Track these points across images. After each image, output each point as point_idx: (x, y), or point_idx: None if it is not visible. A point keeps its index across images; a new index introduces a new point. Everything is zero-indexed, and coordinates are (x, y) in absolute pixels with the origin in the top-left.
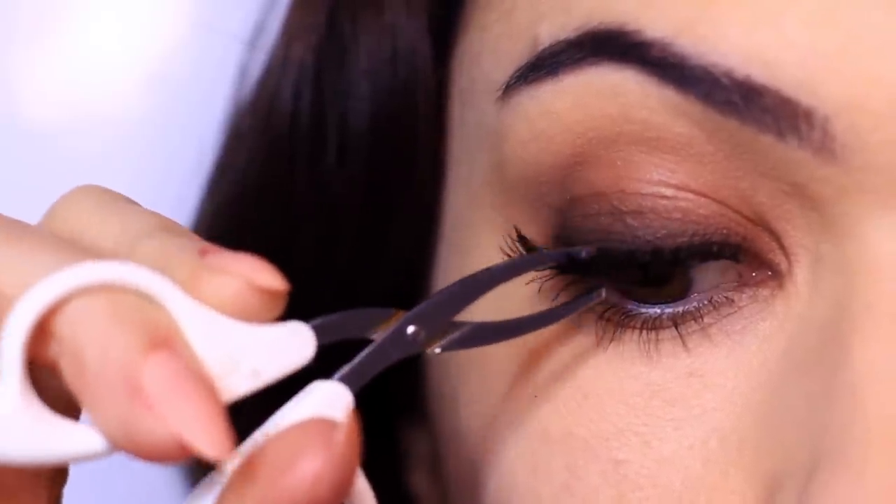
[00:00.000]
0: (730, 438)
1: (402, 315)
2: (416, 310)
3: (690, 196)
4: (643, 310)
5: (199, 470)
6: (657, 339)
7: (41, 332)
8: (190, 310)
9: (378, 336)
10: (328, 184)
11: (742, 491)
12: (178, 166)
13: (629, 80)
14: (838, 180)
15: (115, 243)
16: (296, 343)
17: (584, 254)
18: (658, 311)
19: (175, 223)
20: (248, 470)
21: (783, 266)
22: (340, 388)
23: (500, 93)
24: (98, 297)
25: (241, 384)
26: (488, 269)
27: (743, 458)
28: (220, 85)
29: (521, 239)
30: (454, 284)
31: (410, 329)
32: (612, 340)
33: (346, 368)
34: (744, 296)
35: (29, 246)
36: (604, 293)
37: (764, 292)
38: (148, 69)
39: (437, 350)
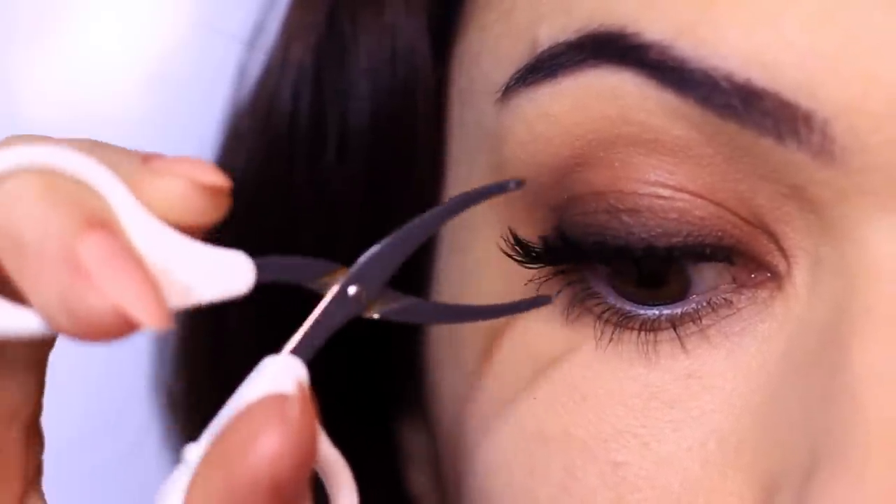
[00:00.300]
0: (728, 440)
1: (345, 271)
2: (357, 266)
3: (687, 197)
4: (641, 311)
5: None
6: (655, 341)
7: None
8: (129, 207)
9: (319, 288)
10: (328, 183)
11: (740, 492)
12: None
13: (628, 82)
14: (838, 183)
15: None
16: (234, 271)
17: (511, 185)
18: (656, 312)
19: (111, 143)
20: (210, 458)
21: (782, 268)
22: (291, 360)
23: (499, 94)
24: (32, 177)
25: (170, 296)
26: (420, 218)
27: (741, 459)
28: (219, 85)
29: (518, 241)
30: (389, 238)
31: (352, 290)
32: (610, 341)
33: (294, 340)
34: (742, 297)
35: None
36: (554, 299)
37: (763, 294)
38: (148, 69)
39: (375, 316)
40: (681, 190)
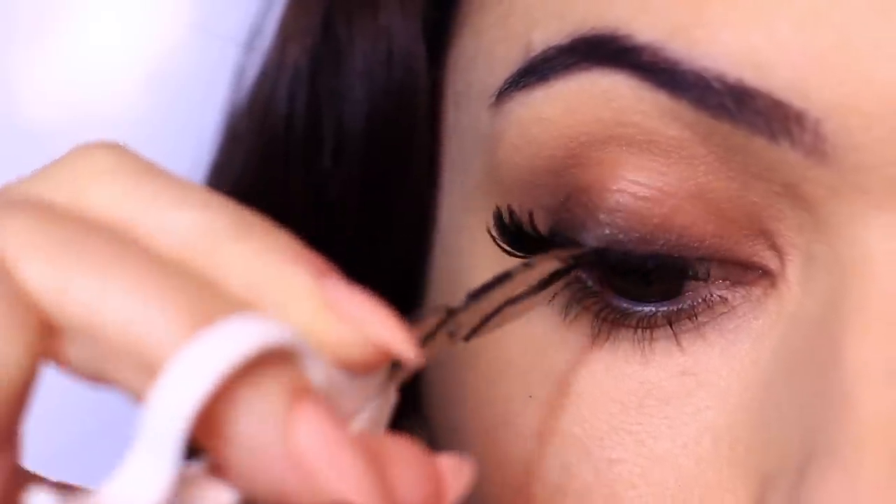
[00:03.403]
0: (723, 437)
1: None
2: (458, 309)
3: (678, 200)
4: (638, 308)
5: None
6: (651, 338)
7: (204, 417)
8: (317, 366)
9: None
10: (324, 185)
11: (735, 489)
12: (175, 167)
13: (620, 84)
14: (830, 181)
15: (194, 250)
16: (385, 388)
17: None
18: (653, 309)
19: (245, 211)
20: (368, 489)
21: (775, 266)
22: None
23: (493, 99)
24: (264, 378)
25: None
26: (525, 266)
27: (736, 456)
28: (217, 86)
29: (505, 226)
30: (489, 282)
31: (451, 327)
32: (606, 339)
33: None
34: (737, 295)
35: (140, 283)
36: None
37: (756, 291)
38: (147, 69)
39: (462, 340)
40: (673, 193)
